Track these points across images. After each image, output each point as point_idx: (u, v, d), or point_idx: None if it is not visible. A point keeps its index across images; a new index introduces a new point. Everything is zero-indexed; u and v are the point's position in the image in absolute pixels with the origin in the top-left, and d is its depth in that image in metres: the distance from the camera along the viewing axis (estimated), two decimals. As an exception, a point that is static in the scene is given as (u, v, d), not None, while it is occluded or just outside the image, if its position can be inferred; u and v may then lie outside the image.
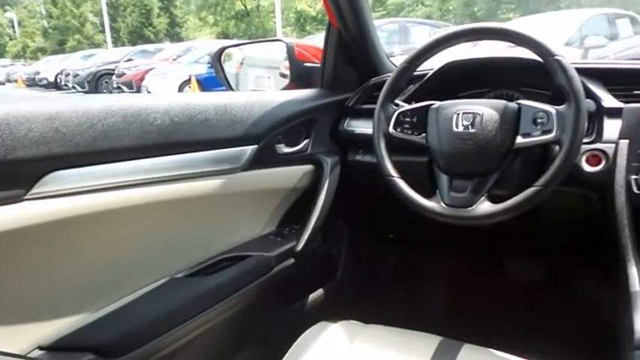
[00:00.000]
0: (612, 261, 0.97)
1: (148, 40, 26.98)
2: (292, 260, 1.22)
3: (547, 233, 1.37)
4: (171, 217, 1.03)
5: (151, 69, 10.50)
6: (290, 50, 1.48)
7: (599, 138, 1.02)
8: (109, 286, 0.94)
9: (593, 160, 1.02)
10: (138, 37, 30.04)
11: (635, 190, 0.94)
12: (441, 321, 1.32)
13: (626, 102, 1.03)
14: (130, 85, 10.79)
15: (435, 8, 16.28)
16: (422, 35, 6.95)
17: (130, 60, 13.56)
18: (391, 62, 1.48)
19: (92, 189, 0.85)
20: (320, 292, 1.43)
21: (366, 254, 1.69)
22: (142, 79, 10.31)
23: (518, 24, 8.03)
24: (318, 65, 1.44)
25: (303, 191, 1.31)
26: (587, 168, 1.02)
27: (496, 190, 0.98)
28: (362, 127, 1.34)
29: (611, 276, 0.97)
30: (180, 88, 9.06)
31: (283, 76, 1.74)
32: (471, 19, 16.01)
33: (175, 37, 29.31)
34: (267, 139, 1.17)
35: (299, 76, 1.49)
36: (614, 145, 1.00)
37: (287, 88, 1.50)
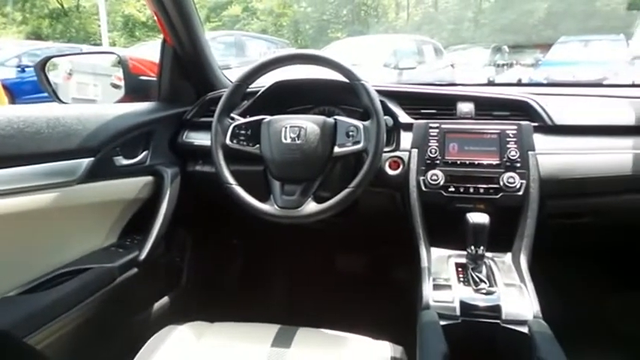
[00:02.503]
0: (413, 246, 1.20)
1: None
2: (136, 270, 1.23)
3: (367, 229, 1.61)
4: (2, 233, 0.98)
5: None
6: (124, 63, 1.47)
7: (397, 147, 1.27)
8: None
9: (394, 165, 1.26)
10: None
11: (423, 188, 1.20)
12: (282, 312, 1.45)
13: (416, 118, 1.30)
14: None
15: (269, 23, 16.81)
16: (257, 49, 7.17)
17: None
18: (226, 77, 1.58)
19: None
20: (166, 299, 1.45)
21: (211, 260, 1.75)
22: None
23: (346, 42, 8.80)
24: (154, 79, 1.47)
25: (144, 202, 1.33)
26: (390, 172, 1.26)
27: (321, 192, 1.14)
28: (200, 139, 1.41)
29: (414, 255, 1.19)
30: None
31: (115, 86, 1.70)
32: (303, 36, 16.94)
33: (-33, 35, 24.81)
34: (104, 152, 1.17)
35: (134, 89, 1.49)
36: (408, 152, 1.25)
37: (122, 100, 1.49)
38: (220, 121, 1.18)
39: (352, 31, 15.34)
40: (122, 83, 1.52)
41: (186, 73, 1.47)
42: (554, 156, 1.19)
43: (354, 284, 1.74)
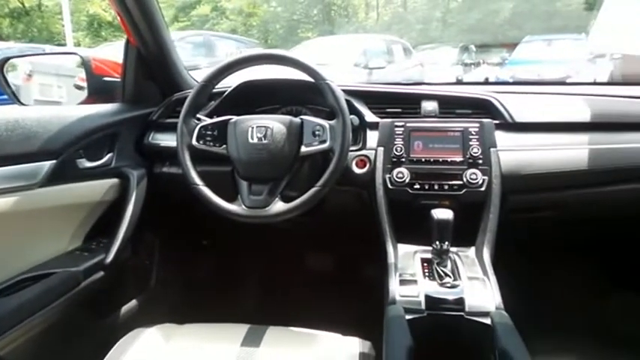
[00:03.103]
0: (380, 243, 1.22)
1: None
2: (102, 273, 1.21)
3: (335, 228, 1.63)
4: None
5: None
6: (87, 64, 1.44)
7: (364, 146, 1.29)
8: None
9: (361, 163, 1.28)
10: None
11: (390, 186, 1.22)
12: (252, 312, 1.45)
13: (381, 117, 1.32)
14: None
15: (239, 23, 16.68)
16: (226, 49, 7.10)
17: None
18: (192, 78, 1.57)
19: None
20: (134, 302, 1.44)
21: (181, 262, 1.73)
22: None
23: (316, 42, 8.81)
24: (118, 80, 1.45)
25: (110, 205, 1.31)
26: (357, 170, 1.28)
27: (288, 191, 1.15)
28: (167, 140, 1.40)
29: (382, 252, 1.21)
30: None
31: (79, 87, 1.66)
32: (273, 36, 16.87)
33: None
34: (66, 154, 1.15)
35: (97, 90, 1.47)
36: (374, 151, 1.27)
37: (85, 102, 1.46)
38: (186, 121, 1.18)
39: (322, 31, 15.37)
40: (85, 84, 1.49)
41: (151, 73, 1.45)
42: (514, 152, 1.22)
43: (324, 282, 1.75)
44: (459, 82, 1.77)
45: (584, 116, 1.27)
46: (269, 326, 1.06)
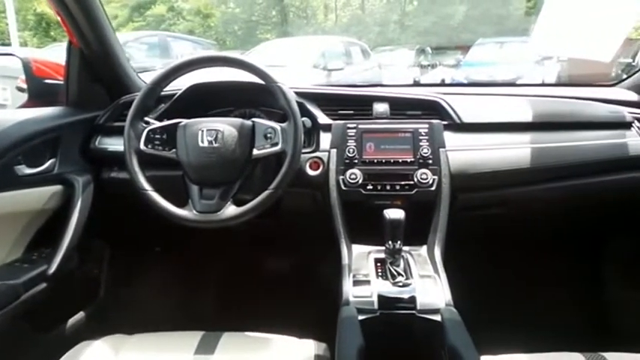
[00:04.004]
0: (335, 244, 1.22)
1: None
2: (44, 285, 1.16)
3: (291, 230, 1.62)
4: None
5: None
6: (26, 66, 1.38)
7: (317, 148, 1.29)
8: None
9: (314, 165, 1.28)
10: None
11: (343, 187, 1.23)
12: (207, 319, 1.42)
13: (334, 119, 1.33)
14: None
15: (196, 24, 16.40)
16: (183, 50, 6.96)
17: None
18: (141, 79, 1.53)
19: None
20: (81, 314, 1.38)
21: (133, 270, 1.68)
22: None
23: (275, 43, 8.77)
24: (62, 82, 1.39)
25: (54, 213, 1.26)
26: (310, 172, 1.28)
27: (242, 195, 1.14)
28: (115, 144, 1.36)
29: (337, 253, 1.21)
30: None
31: (21, 90, 1.59)
32: (232, 37, 16.68)
33: None
34: (3, 161, 1.10)
35: (39, 94, 1.41)
36: (327, 153, 1.28)
37: (26, 105, 1.40)
38: (133, 125, 1.15)
39: (281, 32, 15.34)
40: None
41: (96, 75, 1.40)
42: (462, 152, 1.25)
43: (281, 285, 1.74)
44: (417, 84, 1.80)
45: (530, 116, 1.32)
46: (223, 332, 1.04)
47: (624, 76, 1.53)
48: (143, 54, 6.61)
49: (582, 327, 1.45)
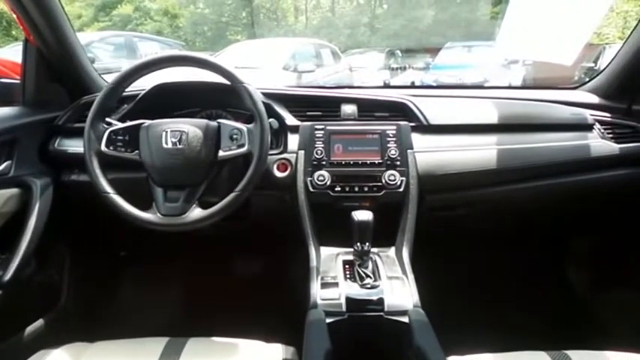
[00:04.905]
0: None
1: None
2: (0, 292, 1.11)
3: (260, 232, 1.60)
4: None
5: None
6: (-21, 64, 1.32)
7: (285, 149, 1.28)
8: None
9: (282, 167, 1.27)
10: None
11: (311, 189, 1.22)
12: (174, 324, 1.39)
13: (302, 120, 1.32)
14: None
15: (165, 24, 16.14)
16: (150, 51, 6.82)
17: None
18: (104, 80, 1.48)
19: None
20: (41, 322, 1.33)
21: (96, 275, 1.63)
22: None
23: (245, 45, 8.69)
24: (18, 81, 1.34)
25: (10, 217, 1.20)
26: (278, 174, 1.26)
27: (208, 197, 1.11)
28: (75, 146, 1.31)
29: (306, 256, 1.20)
30: None
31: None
32: (201, 38, 16.49)
33: None
34: None
35: (-6, 93, 1.35)
36: (295, 154, 1.26)
37: (-21, 106, 1.34)
38: (94, 126, 1.11)
39: (252, 33, 15.26)
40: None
41: (55, 75, 1.36)
42: (430, 153, 1.26)
43: (249, 288, 1.72)
44: (387, 86, 1.82)
45: (496, 118, 1.34)
46: (189, 338, 1.02)
47: (587, 80, 1.58)
48: (109, 54, 6.46)
49: (549, 326, 1.48)
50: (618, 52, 1.42)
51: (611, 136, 1.37)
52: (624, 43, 1.38)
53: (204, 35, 16.72)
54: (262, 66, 5.48)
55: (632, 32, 1.35)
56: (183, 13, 16.65)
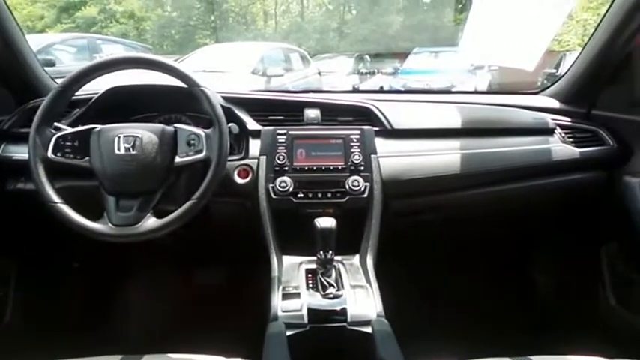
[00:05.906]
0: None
1: None
2: None
3: (221, 241, 1.55)
4: None
5: None
6: None
7: (246, 155, 1.24)
8: None
9: (243, 173, 1.23)
10: None
11: (273, 196, 1.18)
12: (129, 339, 1.32)
13: (264, 125, 1.28)
14: None
15: (131, 27, 15.79)
16: (115, 53, 6.65)
17: None
18: (55, 82, 1.41)
19: None
20: None
21: (44, 290, 1.54)
22: None
23: (214, 48, 8.59)
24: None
25: None
26: (239, 180, 1.22)
27: (164, 205, 1.06)
28: (21, 152, 1.24)
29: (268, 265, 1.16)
30: None
31: None
32: (169, 41, 16.21)
33: None
34: None
35: None
36: (256, 160, 1.23)
37: None
38: (40, 131, 1.05)
39: (220, 37, 15.09)
40: None
41: (0, 78, 1.27)
42: (394, 158, 1.25)
43: (208, 300, 1.66)
44: (354, 90, 1.80)
45: (460, 123, 1.34)
46: (144, 355, 0.96)
47: (548, 85, 1.60)
48: (71, 57, 6.26)
49: (513, 332, 1.49)
50: (577, 59, 1.44)
51: (571, 140, 1.39)
52: (582, 50, 1.41)
53: (172, 39, 16.45)
54: (231, 70, 5.42)
55: (589, 39, 1.37)
56: (150, 16, 16.33)
